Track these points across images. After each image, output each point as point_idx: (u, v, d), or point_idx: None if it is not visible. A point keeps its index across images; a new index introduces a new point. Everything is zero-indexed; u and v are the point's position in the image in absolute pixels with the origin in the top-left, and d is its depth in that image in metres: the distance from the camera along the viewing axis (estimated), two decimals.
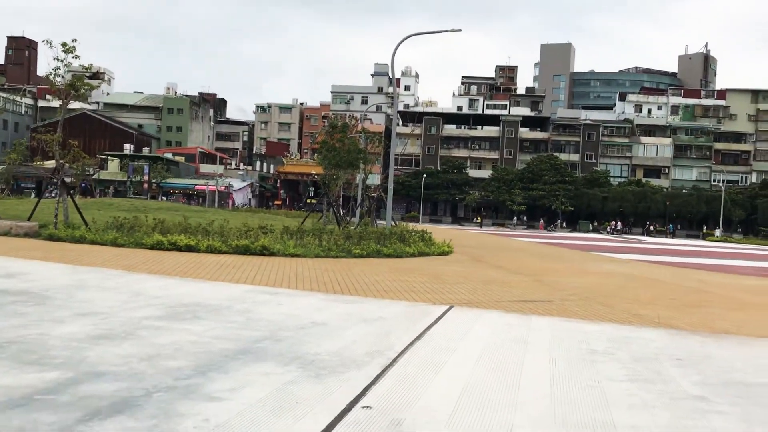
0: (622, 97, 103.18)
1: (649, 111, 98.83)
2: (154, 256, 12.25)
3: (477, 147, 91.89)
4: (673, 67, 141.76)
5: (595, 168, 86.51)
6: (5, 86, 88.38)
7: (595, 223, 75.68)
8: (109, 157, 71.55)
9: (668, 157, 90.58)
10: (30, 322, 5.90)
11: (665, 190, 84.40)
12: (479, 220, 76.04)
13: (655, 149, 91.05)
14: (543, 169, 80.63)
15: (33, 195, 49.83)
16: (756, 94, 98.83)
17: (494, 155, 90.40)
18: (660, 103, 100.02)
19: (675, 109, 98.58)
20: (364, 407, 4.02)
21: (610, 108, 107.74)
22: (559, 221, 76.35)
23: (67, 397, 3.85)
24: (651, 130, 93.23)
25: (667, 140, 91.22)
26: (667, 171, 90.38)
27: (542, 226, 73.91)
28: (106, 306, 6.92)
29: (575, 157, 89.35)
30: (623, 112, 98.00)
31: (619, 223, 74.83)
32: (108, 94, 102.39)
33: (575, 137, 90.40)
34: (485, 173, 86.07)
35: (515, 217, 76.78)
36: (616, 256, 24.62)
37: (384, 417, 3.87)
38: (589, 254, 24.85)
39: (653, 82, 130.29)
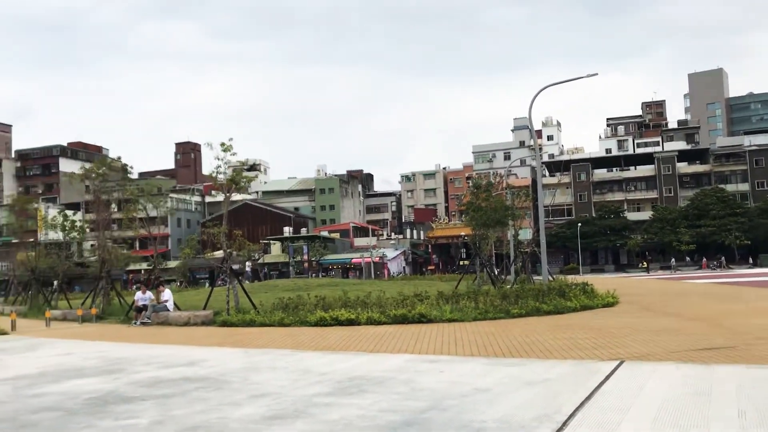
0: None
1: None
2: (319, 333, 12.71)
3: (632, 188, 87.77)
4: None
5: None
6: (176, 188, 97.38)
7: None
8: (271, 242, 76.00)
9: None
10: (211, 407, 6.29)
11: None
12: (645, 265, 71.85)
13: None
14: (709, 204, 75.22)
15: (207, 284, 53.69)
16: None
17: (652, 195, 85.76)
18: None
19: None
20: None
21: None
22: (722, 257, 70.22)
23: None
24: None
25: None
26: None
27: (705, 264, 68.38)
28: (278, 386, 7.23)
29: (744, 187, 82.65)
30: None
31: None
32: (265, 183, 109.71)
33: (741, 166, 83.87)
34: (645, 215, 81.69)
35: (672, 259, 71.45)
36: None
37: None
38: None
39: None
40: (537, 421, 5.13)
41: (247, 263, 63.28)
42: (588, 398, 5.90)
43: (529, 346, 9.53)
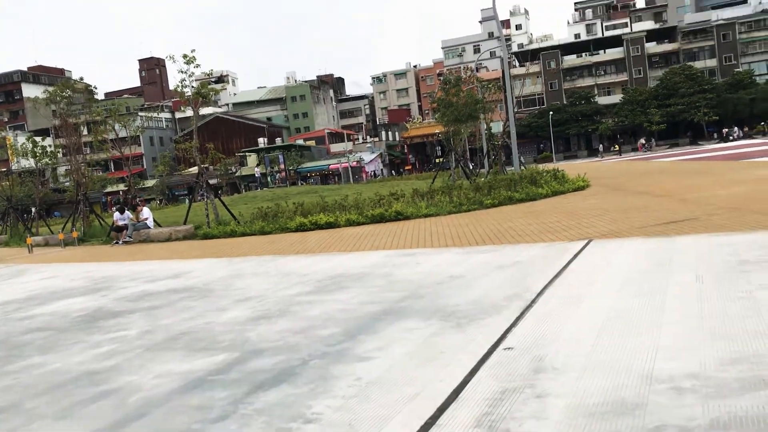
0: None
1: None
2: (299, 238, 12.95)
3: (602, 73, 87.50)
4: None
5: (736, 70, 79.66)
6: (144, 106, 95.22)
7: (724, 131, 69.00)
8: (246, 154, 75.43)
9: None
10: (197, 314, 6.53)
11: None
12: (617, 149, 72.68)
13: None
14: (678, 82, 75.44)
15: (186, 201, 53.64)
16: None
17: (622, 78, 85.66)
18: None
19: None
20: (505, 349, 4.15)
21: (744, 1, 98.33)
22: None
23: (235, 375, 4.29)
24: None
25: None
26: None
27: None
28: (261, 289, 7.48)
29: (712, 63, 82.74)
30: (760, 3, 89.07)
31: (735, 128, 68.39)
32: (234, 94, 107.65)
33: (709, 42, 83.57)
34: (616, 98, 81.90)
35: (643, 140, 72.15)
36: None
37: (526, 355, 3.98)
38: (741, 163, 23.14)
39: None
40: (507, 300, 5.42)
41: (256, 168, 63.26)
42: (556, 276, 6.20)
43: (502, 234, 9.84)
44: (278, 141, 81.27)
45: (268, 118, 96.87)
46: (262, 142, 77.92)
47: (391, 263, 8.25)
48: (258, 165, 66.34)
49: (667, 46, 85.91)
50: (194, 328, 5.84)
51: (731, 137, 66.77)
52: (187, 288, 8.36)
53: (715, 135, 71.23)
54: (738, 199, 10.80)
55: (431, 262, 8.03)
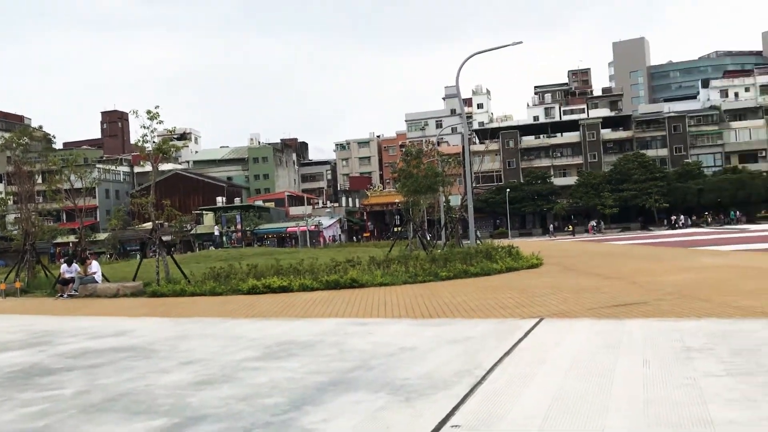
0: (705, 84, 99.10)
1: (737, 94, 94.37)
2: (251, 301, 12.74)
3: (558, 155, 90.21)
4: (757, 46, 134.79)
5: (685, 160, 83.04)
6: (103, 158, 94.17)
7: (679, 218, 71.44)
8: (203, 212, 74.71)
9: (763, 140, 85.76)
10: (138, 375, 6.30)
11: (765, 174, 79.81)
12: (571, 229, 74.24)
13: (748, 133, 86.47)
14: (631, 169, 78.13)
15: (138, 256, 52.53)
16: None
17: (578, 161, 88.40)
18: (747, 84, 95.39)
19: (765, 88, 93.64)
20: (453, 426, 4.09)
21: (693, 97, 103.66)
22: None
23: None
24: (741, 114, 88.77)
25: (760, 122, 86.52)
26: (764, 154, 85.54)
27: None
28: (207, 353, 7.28)
29: (663, 152, 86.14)
30: (708, 100, 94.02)
31: (682, 216, 71.02)
32: (196, 152, 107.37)
33: (660, 132, 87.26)
34: (571, 180, 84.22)
35: (594, 222, 73.77)
36: (718, 248, 23.51)
37: None
38: (689, 250, 23.84)
39: (737, 64, 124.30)
40: (458, 376, 5.38)
41: (216, 227, 62.43)
42: (507, 353, 6.20)
43: (455, 307, 9.85)
44: (237, 201, 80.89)
45: (229, 178, 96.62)
46: (220, 201, 77.44)
47: (343, 332, 8.15)
48: (217, 225, 65.70)
49: (621, 134, 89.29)
50: (134, 390, 5.63)
51: (678, 224, 69.12)
52: (130, 347, 8.09)
53: (665, 221, 73.48)
54: (685, 285, 11.07)
55: (384, 332, 7.96)
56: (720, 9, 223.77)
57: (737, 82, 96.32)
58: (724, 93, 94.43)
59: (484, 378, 5.28)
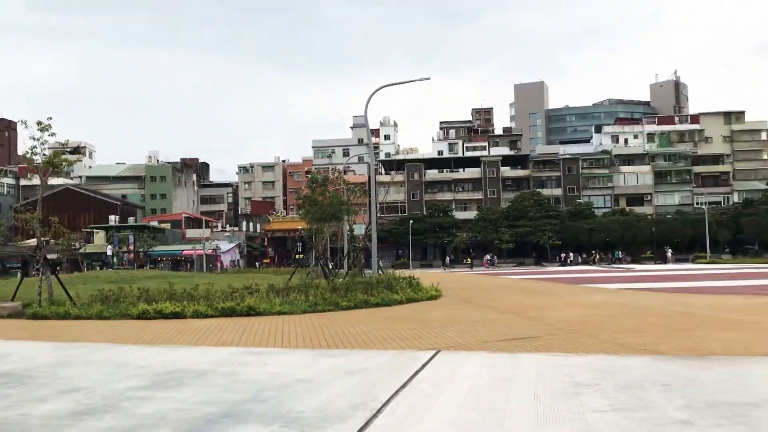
0: (598, 129, 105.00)
1: (626, 141, 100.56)
2: (140, 326, 12.17)
3: (460, 189, 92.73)
4: (645, 96, 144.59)
5: (578, 201, 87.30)
6: None
7: (571, 255, 75.20)
8: (94, 230, 71.30)
9: (649, 185, 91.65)
10: (12, 403, 5.84)
11: (649, 217, 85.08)
12: (469, 261, 76.05)
13: (636, 177, 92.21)
14: (527, 206, 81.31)
15: (18, 274, 49.40)
16: (728, 116, 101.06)
17: (478, 196, 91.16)
18: (636, 132, 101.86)
19: (651, 136, 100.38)
20: None
21: (587, 141, 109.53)
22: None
23: None
24: (630, 160, 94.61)
25: (647, 168, 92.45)
26: (649, 198, 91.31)
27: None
28: (90, 381, 6.86)
29: (558, 192, 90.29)
30: (601, 144, 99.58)
31: (572, 254, 75.00)
32: (90, 167, 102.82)
33: (556, 172, 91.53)
34: (471, 214, 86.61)
35: (488, 256, 75.88)
36: (605, 286, 24.70)
37: None
38: (578, 287, 24.91)
39: (628, 112, 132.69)
40: (353, 409, 5.31)
41: (109, 246, 59.36)
42: (403, 386, 6.19)
43: (354, 338, 9.79)
44: (131, 220, 77.76)
45: (124, 196, 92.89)
46: (113, 219, 74.23)
47: (237, 361, 7.90)
48: (110, 244, 62.79)
49: (519, 172, 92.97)
50: (7, 420, 5.20)
51: (569, 261, 72.44)
52: (4, 373, 7.51)
53: (558, 258, 76.67)
54: (575, 321, 11.51)
55: (279, 362, 7.79)
56: (613, 60, 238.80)
57: (627, 129, 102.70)
58: (615, 138, 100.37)
59: (379, 411, 5.24)
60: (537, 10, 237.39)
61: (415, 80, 21.53)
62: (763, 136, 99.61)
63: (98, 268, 52.22)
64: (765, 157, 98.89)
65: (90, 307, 14.56)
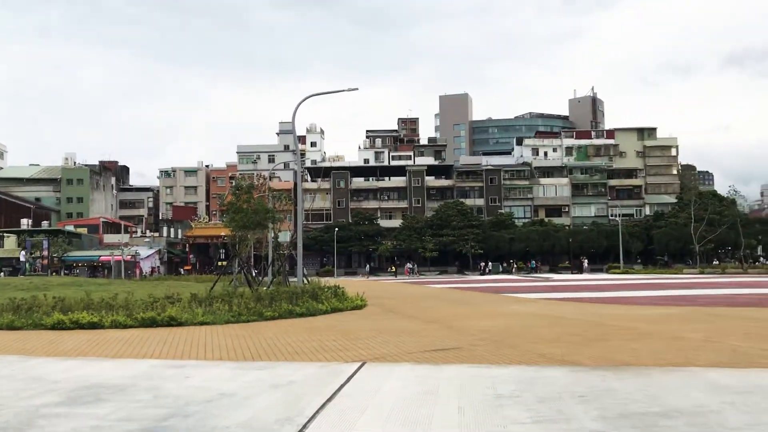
0: (519, 142, 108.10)
1: (546, 153, 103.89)
2: (55, 337, 11.70)
3: (386, 198, 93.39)
4: (564, 111, 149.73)
5: (500, 211, 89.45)
6: None
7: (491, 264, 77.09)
8: (5, 235, 67.92)
9: (567, 196, 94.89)
10: None
11: (567, 227, 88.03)
12: (393, 270, 76.59)
13: (554, 189, 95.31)
14: (451, 215, 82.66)
15: None
16: (641, 132, 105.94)
17: (403, 204, 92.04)
18: (555, 145, 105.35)
19: (569, 150, 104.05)
20: None
21: (509, 153, 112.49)
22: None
23: None
24: (549, 172, 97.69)
25: (564, 180, 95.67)
26: (567, 209, 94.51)
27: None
28: (0, 397, 6.55)
29: (480, 202, 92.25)
30: (521, 156, 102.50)
31: (490, 263, 77.07)
32: (1, 168, 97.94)
33: (478, 183, 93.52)
34: (396, 222, 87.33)
35: (410, 264, 76.57)
36: (524, 296, 25.36)
37: None
38: (498, 296, 25.49)
39: (547, 125, 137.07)
40: (279, 424, 5.29)
41: (22, 252, 56.33)
42: (329, 400, 6.20)
43: (279, 349, 9.72)
44: (45, 224, 74.54)
45: (38, 199, 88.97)
46: (26, 223, 70.91)
47: (158, 375, 7.72)
48: (22, 249, 59.79)
49: (443, 182, 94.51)
50: None
51: (488, 270, 74.26)
52: None
53: (479, 267, 78.28)
54: (496, 331, 11.80)
55: (202, 376, 7.65)
56: (534, 74, 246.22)
57: (546, 143, 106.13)
58: (535, 151, 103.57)
59: (305, 426, 5.24)
60: (462, 22, 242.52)
61: (344, 90, 21.65)
62: (673, 152, 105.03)
63: (1, 275, 49.73)
64: (674, 172, 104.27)
65: None
